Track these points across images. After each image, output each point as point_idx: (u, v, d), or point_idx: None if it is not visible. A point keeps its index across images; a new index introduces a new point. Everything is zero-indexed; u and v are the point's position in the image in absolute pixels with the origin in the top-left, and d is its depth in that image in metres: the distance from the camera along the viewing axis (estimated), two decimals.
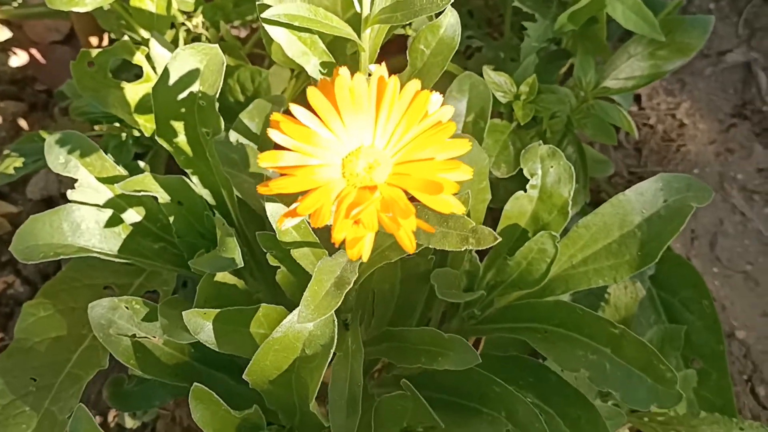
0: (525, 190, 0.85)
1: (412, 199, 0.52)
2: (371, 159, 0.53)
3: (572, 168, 0.83)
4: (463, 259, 0.85)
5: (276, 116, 0.53)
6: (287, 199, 0.57)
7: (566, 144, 0.99)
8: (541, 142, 0.84)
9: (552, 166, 0.84)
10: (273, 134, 0.52)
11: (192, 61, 0.79)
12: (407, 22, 0.68)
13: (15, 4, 1.18)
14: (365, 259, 0.52)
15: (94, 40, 1.21)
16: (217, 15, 1.05)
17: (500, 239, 0.57)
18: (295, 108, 0.53)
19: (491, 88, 0.94)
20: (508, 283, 0.85)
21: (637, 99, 1.39)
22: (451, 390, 0.81)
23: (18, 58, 1.21)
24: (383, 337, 0.82)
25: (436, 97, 0.55)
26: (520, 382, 0.83)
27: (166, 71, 0.79)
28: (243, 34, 1.31)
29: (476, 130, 0.90)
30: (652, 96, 1.37)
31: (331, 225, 0.51)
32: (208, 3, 1.05)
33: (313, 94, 0.52)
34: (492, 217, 0.90)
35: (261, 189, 0.53)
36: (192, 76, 0.79)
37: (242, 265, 0.74)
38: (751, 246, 1.26)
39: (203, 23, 1.04)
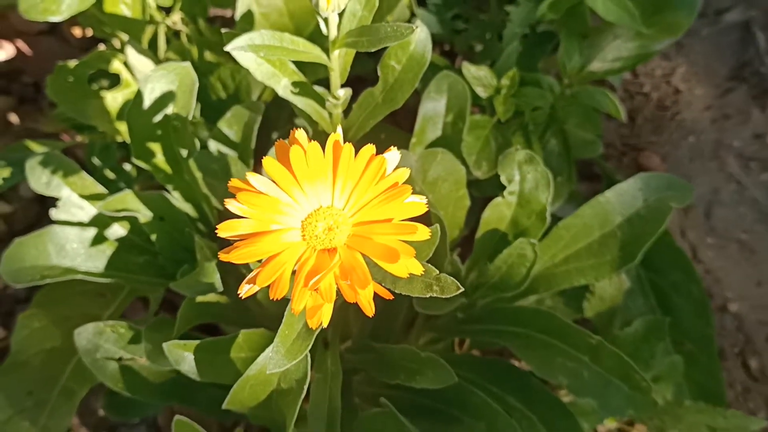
0: (503, 196, 0.85)
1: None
2: (331, 221, 0.54)
3: (549, 174, 0.83)
4: (444, 261, 0.85)
5: (234, 183, 0.53)
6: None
7: (549, 136, 0.98)
8: (518, 147, 0.83)
9: (529, 172, 0.84)
10: (231, 206, 0.52)
11: (164, 83, 0.79)
12: (374, 50, 0.67)
13: None
14: (325, 325, 0.53)
15: (77, 31, 1.20)
16: (195, 8, 1.03)
17: (462, 289, 0.57)
18: (252, 178, 0.53)
19: (471, 83, 0.93)
20: (490, 285, 0.86)
21: None
22: (435, 395, 0.83)
23: (4, 51, 1.20)
24: (364, 347, 0.83)
25: (393, 156, 0.55)
26: (504, 385, 0.85)
27: (139, 95, 0.78)
28: (229, 13, 1.29)
29: (455, 131, 0.89)
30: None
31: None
32: None
33: (269, 164, 0.52)
34: (477, 209, 0.90)
35: (222, 256, 0.53)
36: (165, 98, 0.79)
37: (221, 289, 0.75)
38: (747, 214, 1.25)
39: (182, 19, 1.02)
